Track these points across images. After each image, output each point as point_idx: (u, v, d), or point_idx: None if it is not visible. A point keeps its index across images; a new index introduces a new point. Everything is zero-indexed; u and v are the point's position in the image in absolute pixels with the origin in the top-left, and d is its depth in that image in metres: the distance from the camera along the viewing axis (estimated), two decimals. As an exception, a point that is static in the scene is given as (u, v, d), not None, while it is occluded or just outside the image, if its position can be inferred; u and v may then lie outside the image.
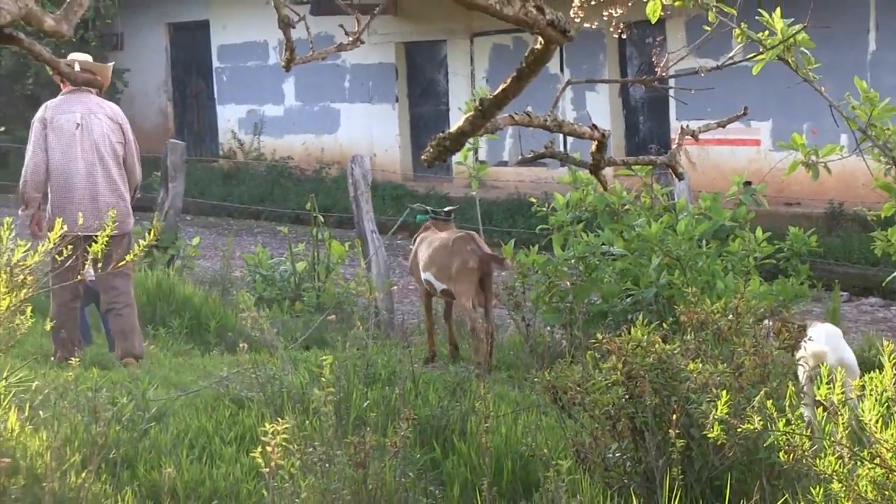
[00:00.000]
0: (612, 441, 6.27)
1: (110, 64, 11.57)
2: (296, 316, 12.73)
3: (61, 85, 10.53)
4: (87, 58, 10.82)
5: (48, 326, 7.23)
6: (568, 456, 6.34)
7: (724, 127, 5.51)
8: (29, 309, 5.76)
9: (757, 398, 5.56)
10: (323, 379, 7.03)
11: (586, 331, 9.87)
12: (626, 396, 6.16)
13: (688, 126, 5.30)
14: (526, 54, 3.75)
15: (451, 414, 7.82)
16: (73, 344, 10.30)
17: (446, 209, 11.56)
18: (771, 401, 5.16)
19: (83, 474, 6.30)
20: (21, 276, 5.38)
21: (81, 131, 10.24)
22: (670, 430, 5.86)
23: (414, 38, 24.01)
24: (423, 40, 23.96)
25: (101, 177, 10.30)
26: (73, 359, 6.97)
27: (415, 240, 11.45)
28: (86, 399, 7.56)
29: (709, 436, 5.22)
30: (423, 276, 11.04)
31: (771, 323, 7.73)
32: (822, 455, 4.78)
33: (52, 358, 10.27)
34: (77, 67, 10.13)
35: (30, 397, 7.15)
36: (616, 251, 10.55)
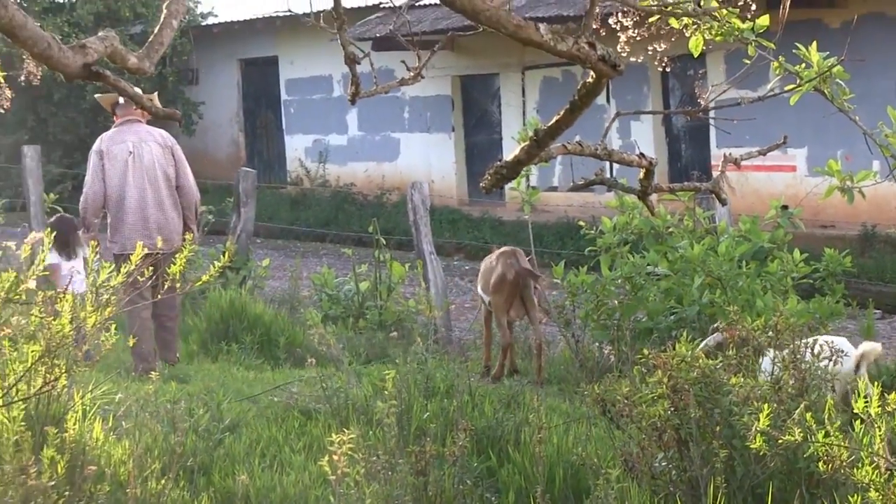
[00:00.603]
0: (659, 451, 6.23)
1: (154, 94, 11.61)
2: (359, 332, 12.74)
3: (114, 117, 10.91)
4: (136, 90, 10.83)
5: (131, 342, 7.26)
6: (617, 465, 6.31)
7: (764, 155, 5.48)
8: (113, 326, 5.80)
9: (797, 411, 5.51)
10: (386, 392, 7.04)
11: (633, 346, 9.85)
12: (672, 409, 6.12)
13: (730, 154, 5.26)
14: (578, 88, 3.75)
15: (505, 425, 7.80)
16: (150, 355, 10.55)
17: None
18: (810, 413, 5.11)
19: (163, 481, 6.31)
20: (106, 296, 5.41)
21: (133, 159, 10.55)
22: (714, 441, 5.82)
23: (469, 72, 24.05)
24: (478, 73, 24.00)
25: (151, 199, 10.57)
26: (153, 372, 7.02)
27: None
28: (165, 410, 7.60)
29: (751, 446, 5.17)
30: (478, 289, 11.12)
31: (720, 334, 8.04)
32: (860, 465, 4.73)
33: (134, 372, 10.36)
34: (122, 100, 10.61)
35: (113, 409, 7.19)
36: (660, 271, 10.52)
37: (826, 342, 6.88)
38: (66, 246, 11.08)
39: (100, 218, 10.65)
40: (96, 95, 11.45)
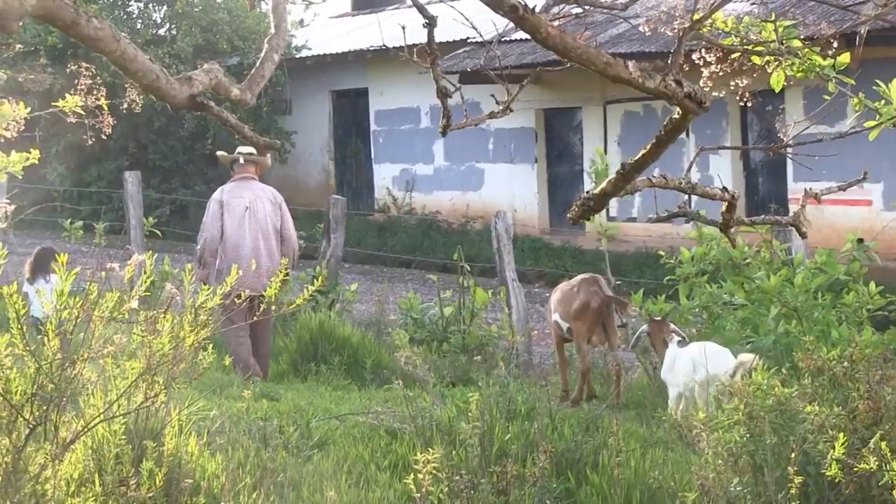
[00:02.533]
0: (734, 476, 6.18)
1: (269, 155, 12.79)
2: (443, 356, 12.76)
3: (231, 172, 12.20)
4: (250, 150, 12.11)
5: (226, 362, 7.35)
6: (693, 489, 6.27)
7: (844, 190, 5.45)
8: (210, 346, 5.86)
9: (872, 440, 5.45)
10: (469, 413, 7.05)
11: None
12: (747, 435, 6.09)
13: (810, 189, 5.24)
14: (664, 123, 3.75)
15: (584, 447, 7.77)
16: (252, 366, 11.68)
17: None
18: (885, 442, 5.06)
19: (254, 495, 6.37)
20: (203, 317, 5.48)
21: (249, 214, 11.86)
22: (789, 468, 5.77)
23: (552, 105, 24.05)
24: (561, 107, 23.99)
25: (263, 248, 11.84)
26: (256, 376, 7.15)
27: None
28: (256, 427, 7.67)
29: (826, 474, 5.13)
30: (553, 317, 11.06)
31: (647, 327, 9.94)
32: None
33: (237, 372, 11.25)
34: (242, 161, 12.12)
35: (208, 425, 7.26)
36: (737, 301, 10.46)
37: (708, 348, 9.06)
38: (43, 271, 11.87)
39: (215, 258, 11.82)
40: (218, 153, 12.90)
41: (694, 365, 9.20)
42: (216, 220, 11.84)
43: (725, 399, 7.11)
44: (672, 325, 10.06)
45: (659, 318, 10.11)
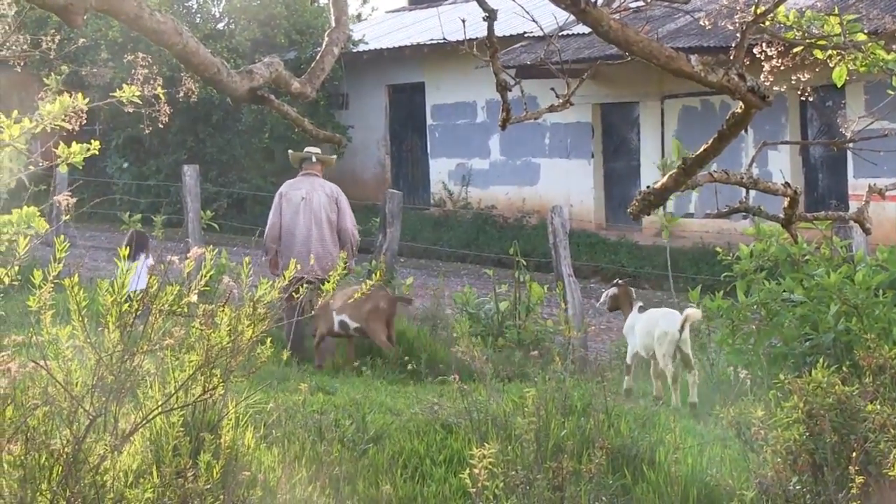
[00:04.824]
0: (793, 475, 6.13)
1: (334, 157, 14.13)
2: (498, 351, 12.73)
3: (299, 169, 13.33)
4: (318, 150, 13.50)
5: (284, 356, 7.38)
6: (751, 487, 6.23)
7: (907, 185, 5.38)
8: (268, 340, 5.88)
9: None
10: (525, 409, 7.03)
11: (768, 371, 9.73)
12: (807, 434, 6.04)
13: (874, 185, 5.17)
14: (727, 118, 3.72)
15: (641, 444, 7.75)
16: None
17: None
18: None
19: (310, 488, 6.39)
20: (262, 310, 5.49)
21: (304, 203, 12.99)
22: (849, 467, 5.71)
23: (609, 100, 23.97)
24: (618, 102, 23.91)
25: (315, 236, 12.94)
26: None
27: None
28: (312, 420, 7.69)
29: (888, 474, 5.08)
30: (340, 318, 12.43)
31: (615, 289, 11.24)
32: None
33: (317, 366, 12.48)
34: (314, 160, 13.33)
35: (264, 417, 7.29)
36: (796, 298, 10.35)
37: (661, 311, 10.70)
38: (138, 251, 13.45)
39: (276, 244, 13.08)
40: (289, 152, 14.02)
41: (650, 325, 10.57)
42: (276, 210, 13.10)
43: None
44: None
45: (623, 283, 11.38)
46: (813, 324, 10.12)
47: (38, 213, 5.16)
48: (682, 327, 10.15)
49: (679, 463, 7.04)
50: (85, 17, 4.12)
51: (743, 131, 17.93)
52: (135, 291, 5.36)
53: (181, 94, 5.38)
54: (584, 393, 8.91)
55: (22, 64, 9.10)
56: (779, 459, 6.15)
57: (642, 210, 3.99)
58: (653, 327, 10.48)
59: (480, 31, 4.85)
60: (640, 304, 11.10)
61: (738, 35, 3.86)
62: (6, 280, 5.15)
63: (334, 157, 13.92)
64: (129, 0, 3.91)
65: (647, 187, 4.01)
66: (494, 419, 8.08)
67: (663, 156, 20.75)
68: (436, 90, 27.69)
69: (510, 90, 4.36)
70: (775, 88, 5.02)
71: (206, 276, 5.39)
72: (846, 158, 19.78)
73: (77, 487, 5.07)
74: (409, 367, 11.72)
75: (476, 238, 24.12)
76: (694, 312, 10.25)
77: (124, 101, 5.17)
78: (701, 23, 5.36)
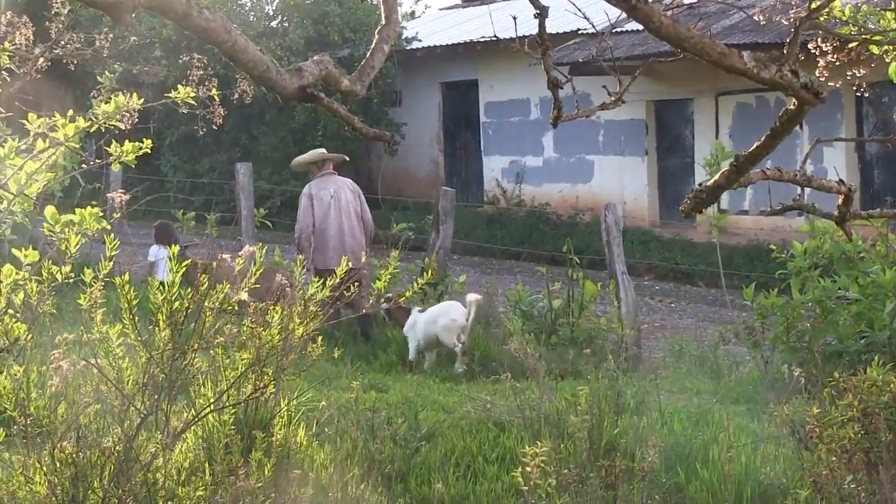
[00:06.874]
0: (848, 473, 6.07)
1: (345, 156, 15.29)
2: (551, 348, 12.69)
3: (313, 171, 14.18)
4: (324, 151, 14.64)
5: (336, 354, 7.36)
6: (805, 486, 6.17)
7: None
8: (320, 338, 5.88)
9: None
10: (578, 406, 7.00)
11: (822, 369, 9.63)
12: (862, 432, 5.97)
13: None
14: (780, 114, 3.67)
15: (694, 442, 7.69)
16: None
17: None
18: None
19: (362, 486, 6.39)
20: (313, 309, 5.49)
21: (334, 201, 13.86)
22: (905, 466, 5.65)
23: (663, 97, 23.83)
24: (672, 99, 23.77)
25: (347, 229, 13.82)
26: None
27: None
28: (365, 418, 7.69)
29: (944, 473, 5.01)
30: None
31: (389, 306, 12.47)
32: None
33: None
34: (324, 160, 14.19)
35: (316, 415, 7.29)
36: (851, 296, 10.26)
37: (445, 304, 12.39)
38: (165, 241, 14.32)
39: (311, 244, 13.65)
40: (294, 161, 14.93)
41: (435, 318, 12.04)
42: (308, 211, 13.86)
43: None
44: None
45: (398, 306, 12.38)
46: (868, 321, 10.02)
47: (100, 214, 5.18)
48: (470, 313, 11.83)
49: (733, 461, 6.98)
50: (133, 16, 4.12)
51: (798, 128, 17.84)
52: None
53: (236, 95, 5.39)
54: (637, 391, 8.87)
55: (76, 62, 9.17)
56: (833, 458, 6.09)
57: (694, 208, 3.95)
58: (439, 318, 11.95)
59: (532, 28, 4.83)
60: (419, 308, 12.63)
61: (792, 31, 3.82)
62: (59, 277, 5.17)
63: (345, 156, 15.17)
64: (178, -2, 3.92)
65: (700, 185, 3.98)
66: (547, 417, 8.05)
67: (718, 153, 20.60)
68: (489, 88, 27.65)
69: (562, 87, 4.32)
70: (830, 84, 4.96)
71: (256, 274, 5.39)
72: (903, 155, 19.58)
73: (128, 485, 5.09)
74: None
75: (529, 235, 24.06)
76: (474, 298, 12.05)
77: (179, 102, 5.19)
78: (755, 18, 5.31)
